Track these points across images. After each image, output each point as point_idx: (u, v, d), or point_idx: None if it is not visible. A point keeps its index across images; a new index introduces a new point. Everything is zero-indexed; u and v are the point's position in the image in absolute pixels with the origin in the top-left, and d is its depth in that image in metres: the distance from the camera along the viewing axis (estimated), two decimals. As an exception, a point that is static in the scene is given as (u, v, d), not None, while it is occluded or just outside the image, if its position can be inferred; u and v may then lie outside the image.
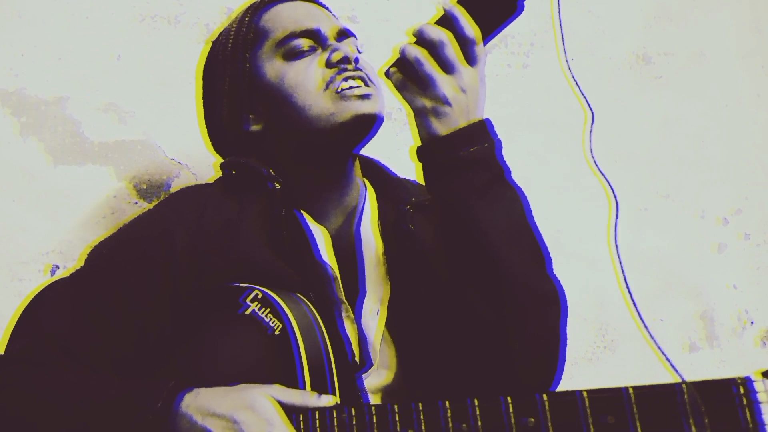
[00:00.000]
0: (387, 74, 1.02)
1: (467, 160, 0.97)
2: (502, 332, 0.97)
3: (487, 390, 0.87)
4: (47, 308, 1.06)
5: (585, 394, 0.77)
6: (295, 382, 0.93)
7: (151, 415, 0.89)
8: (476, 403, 0.82)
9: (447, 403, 0.84)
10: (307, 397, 0.92)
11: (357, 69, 1.12)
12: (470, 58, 0.98)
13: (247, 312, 0.98)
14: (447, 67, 0.97)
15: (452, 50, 0.96)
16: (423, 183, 1.04)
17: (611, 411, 0.76)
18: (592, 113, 1.08)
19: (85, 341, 1.02)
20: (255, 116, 1.17)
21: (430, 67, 0.96)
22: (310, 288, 1.06)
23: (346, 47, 1.14)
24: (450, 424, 0.83)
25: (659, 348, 1.04)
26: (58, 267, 1.45)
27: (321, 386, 0.95)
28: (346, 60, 1.11)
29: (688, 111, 2.05)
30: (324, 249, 1.12)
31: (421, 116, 0.99)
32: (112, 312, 1.03)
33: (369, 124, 1.10)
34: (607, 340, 1.83)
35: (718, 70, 2.11)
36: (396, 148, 1.38)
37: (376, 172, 1.29)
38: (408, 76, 1.00)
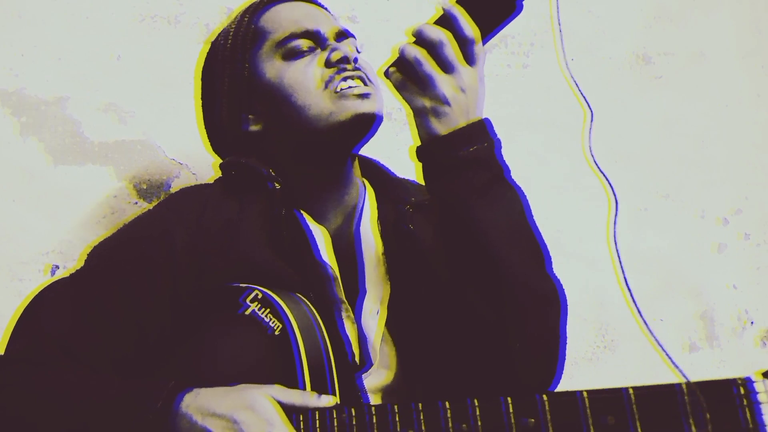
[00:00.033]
0: (386, 74, 1.02)
1: (467, 159, 0.97)
2: (502, 332, 0.97)
3: (487, 390, 0.87)
4: (47, 308, 1.06)
5: (585, 394, 0.77)
6: (295, 383, 0.93)
7: (151, 415, 0.89)
8: (476, 404, 0.82)
9: (447, 403, 0.84)
10: (307, 398, 0.92)
11: (356, 69, 1.12)
12: (469, 58, 0.98)
13: (247, 312, 0.98)
14: (446, 67, 0.97)
15: (451, 50, 0.96)
16: (423, 183, 1.04)
17: (611, 411, 0.76)
18: (591, 112, 1.08)
19: (85, 341, 1.02)
20: (254, 116, 1.17)
21: (430, 66, 0.96)
22: (310, 288, 1.06)
23: (346, 47, 1.14)
24: (450, 425, 0.83)
25: (661, 347, 1.04)
26: (58, 267, 1.45)
27: (321, 386, 0.95)
28: (345, 60, 1.11)
29: (688, 111, 2.05)
30: (324, 249, 1.12)
31: (420, 116, 1.00)
32: (112, 312, 1.03)
33: (368, 124, 1.10)
34: (607, 340, 1.83)
35: (718, 70, 2.11)
36: (396, 148, 1.38)
37: (376, 172, 1.29)
38: (407, 75, 1.00)
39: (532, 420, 0.79)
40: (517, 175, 1.02)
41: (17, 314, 1.08)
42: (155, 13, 1.62)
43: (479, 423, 0.81)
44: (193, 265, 1.06)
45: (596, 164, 1.06)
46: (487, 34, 0.98)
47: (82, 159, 1.50)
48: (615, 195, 1.08)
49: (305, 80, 1.10)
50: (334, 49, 1.12)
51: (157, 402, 0.90)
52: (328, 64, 1.11)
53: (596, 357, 1.82)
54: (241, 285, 1.02)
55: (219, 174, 1.24)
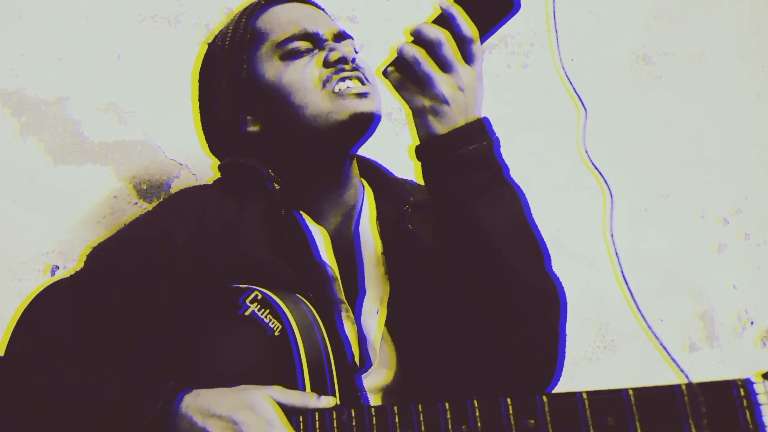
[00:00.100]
0: (385, 74, 1.02)
1: (466, 158, 0.97)
2: (502, 331, 0.97)
3: (487, 389, 0.88)
4: (47, 309, 1.06)
5: (585, 395, 0.77)
6: (295, 383, 0.93)
7: (151, 415, 0.89)
8: (476, 405, 0.82)
9: (447, 404, 0.84)
10: (307, 398, 0.92)
11: (354, 68, 1.12)
12: (468, 57, 0.98)
13: (247, 313, 0.98)
14: (445, 66, 0.97)
15: (450, 49, 0.96)
16: (422, 182, 1.04)
17: (611, 412, 0.76)
18: (585, 110, 1.08)
19: (85, 342, 1.01)
20: (252, 117, 1.17)
21: (428, 66, 0.96)
22: (310, 288, 1.06)
23: (344, 47, 1.14)
24: (450, 426, 0.83)
25: (663, 346, 1.04)
26: (58, 267, 1.45)
27: (321, 387, 0.95)
28: (343, 60, 1.11)
29: (688, 111, 2.05)
30: (323, 249, 1.12)
31: (419, 115, 0.99)
32: (112, 312, 1.03)
33: (366, 123, 1.10)
34: (607, 340, 1.83)
35: (718, 70, 2.11)
36: (395, 148, 1.38)
37: (374, 172, 1.29)
38: (406, 75, 0.99)
39: (532, 421, 0.79)
40: (517, 175, 1.02)
41: (17, 314, 1.08)
42: (155, 13, 1.62)
43: (479, 424, 0.81)
44: (193, 265, 1.06)
45: (590, 160, 1.06)
46: (485, 33, 0.98)
47: (82, 159, 1.50)
48: (610, 190, 1.09)
49: (303, 80, 1.10)
50: (332, 49, 1.12)
51: (157, 402, 0.90)
52: (326, 64, 1.11)
53: (596, 357, 1.82)
54: (240, 285, 1.02)
55: (218, 175, 1.25)
